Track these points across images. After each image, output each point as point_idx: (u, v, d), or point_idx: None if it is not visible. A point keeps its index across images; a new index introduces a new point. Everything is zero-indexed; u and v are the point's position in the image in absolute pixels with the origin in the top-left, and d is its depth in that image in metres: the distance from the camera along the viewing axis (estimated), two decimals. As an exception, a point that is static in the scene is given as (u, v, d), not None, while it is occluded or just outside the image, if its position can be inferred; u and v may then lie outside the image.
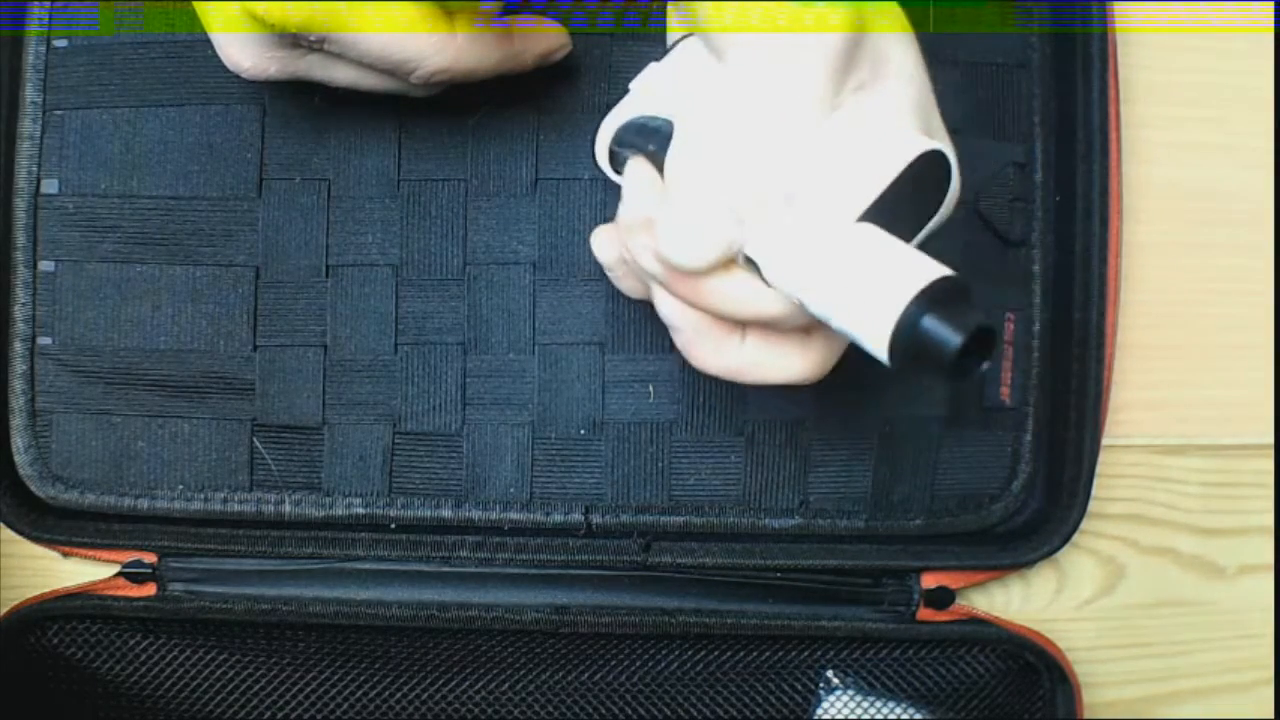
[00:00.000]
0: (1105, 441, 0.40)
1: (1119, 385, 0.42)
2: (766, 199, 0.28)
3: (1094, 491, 0.40)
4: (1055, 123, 0.40)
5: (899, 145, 0.28)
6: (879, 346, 0.26)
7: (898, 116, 0.28)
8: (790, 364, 0.31)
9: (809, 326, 0.30)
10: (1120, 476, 0.44)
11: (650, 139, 0.31)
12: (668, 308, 0.31)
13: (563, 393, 0.40)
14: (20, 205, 0.39)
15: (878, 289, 0.26)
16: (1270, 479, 0.44)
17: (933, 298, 0.25)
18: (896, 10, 0.29)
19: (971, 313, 0.25)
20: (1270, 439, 0.44)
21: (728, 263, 0.29)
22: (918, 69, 0.29)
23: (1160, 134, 0.43)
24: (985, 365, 0.26)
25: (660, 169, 0.30)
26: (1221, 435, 0.45)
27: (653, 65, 0.33)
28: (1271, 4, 0.43)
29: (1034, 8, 0.40)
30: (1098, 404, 0.40)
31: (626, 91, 0.33)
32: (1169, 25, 0.43)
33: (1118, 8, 0.40)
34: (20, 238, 0.39)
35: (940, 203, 0.29)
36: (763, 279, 0.28)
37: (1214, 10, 0.43)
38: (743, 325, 0.31)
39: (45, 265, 0.39)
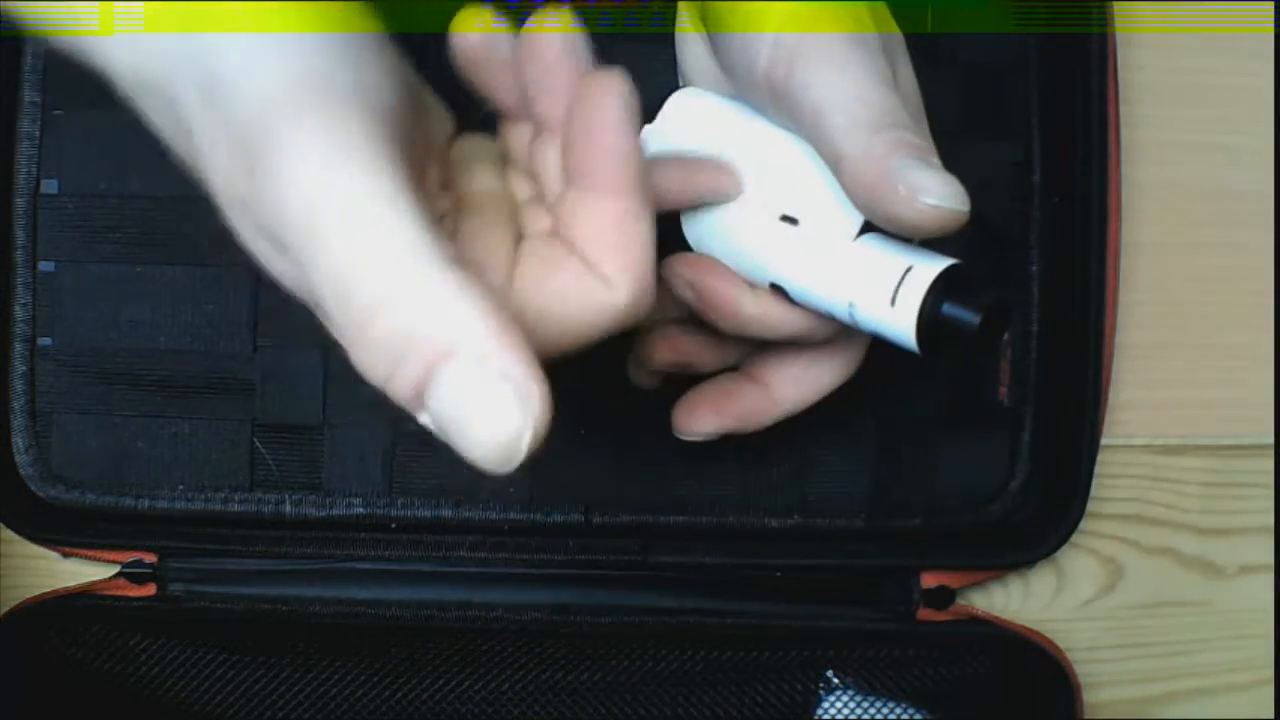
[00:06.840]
0: (1105, 441, 0.40)
1: (1118, 385, 0.42)
2: (776, 222, 0.30)
3: (1094, 491, 0.40)
4: (1054, 123, 0.40)
5: None
6: (907, 338, 0.28)
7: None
8: (822, 374, 0.34)
9: (830, 338, 0.32)
10: (1120, 476, 0.44)
11: None
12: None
13: (563, 392, 0.40)
14: (20, 205, 0.39)
15: (896, 288, 0.28)
16: (1270, 479, 0.44)
17: (946, 285, 0.28)
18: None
19: (984, 292, 0.28)
20: (1270, 439, 0.44)
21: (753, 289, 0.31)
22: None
23: (1160, 134, 0.43)
24: (1005, 337, 0.29)
25: None
26: (1221, 435, 0.45)
27: (647, 127, 0.33)
28: (1271, 4, 0.43)
29: (1033, 8, 0.40)
30: (1096, 404, 0.40)
31: None
32: (1169, 25, 0.43)
33: (1118, 8, 0.40)
34: (20, 237, 0.39)
35: None
36: (790, 301, 0.31)
37: (1214, 10, 0.43)
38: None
39: (45, 265, 0.39)
